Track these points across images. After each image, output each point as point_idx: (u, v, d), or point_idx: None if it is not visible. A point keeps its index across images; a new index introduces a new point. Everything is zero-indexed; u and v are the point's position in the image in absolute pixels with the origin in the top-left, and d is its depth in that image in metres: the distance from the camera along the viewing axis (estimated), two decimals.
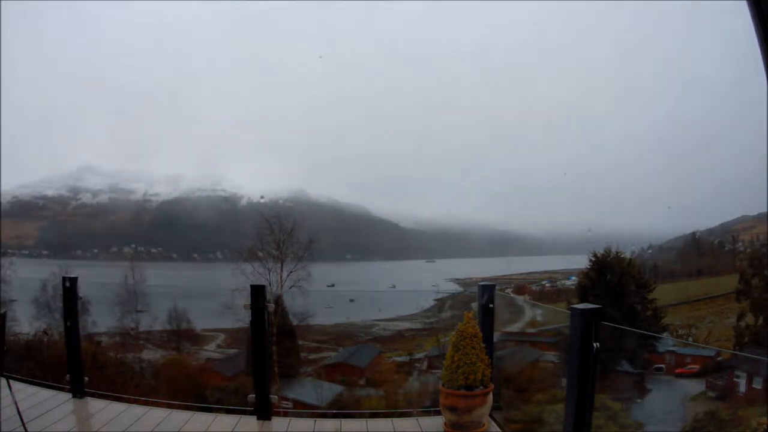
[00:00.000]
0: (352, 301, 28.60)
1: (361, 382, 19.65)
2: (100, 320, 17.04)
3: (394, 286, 44.42)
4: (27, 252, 60.18)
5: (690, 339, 21.06)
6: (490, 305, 3.81)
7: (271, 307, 3.84)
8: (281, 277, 21.50)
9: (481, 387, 3.23)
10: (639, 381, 13.93)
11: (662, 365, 16.36)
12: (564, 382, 2.79)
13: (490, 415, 3.50)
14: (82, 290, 4.13)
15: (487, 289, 3.85)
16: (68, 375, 3.99)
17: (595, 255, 17.01)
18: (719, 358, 14.98)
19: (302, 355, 21.25)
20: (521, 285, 45.82)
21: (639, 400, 12.72)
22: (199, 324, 22.44)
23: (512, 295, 29.17)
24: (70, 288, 4.06)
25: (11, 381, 2.89)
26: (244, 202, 76.58)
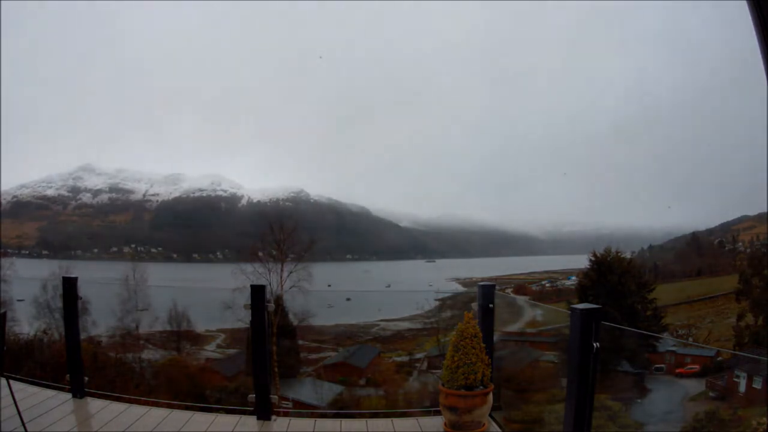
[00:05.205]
0: (348, 300, 28.72)
1: (361, 382, 19.63)
2: (100, 320, 17.03)
3: (389, 286, 44.73)
4: (27, 252, 60.21)
5: (690, 339, 21.05)
6: (490, 305, 3.80)
7: (271, 307, 3.84)
8: (281, 277, 21.50)
9: (481, 387, 3.22)
10: (639, 381, 13.92)
11: (662, 365, 16.34)
12: (564, 382, 2.79)
13: (490, 415, 3.50)
14: (82, 290, 4.13)
15: (487, 289, 3.84)
16: (68, 375, 3.98)
17: (595, 255, 17.02)
18: (719, 358, 14.96)
19: (302, 355, 21.24)
20: (521, 285, 45.86)
21: (639, 400, 12.71)
22: (199, 324, 22.44)
23: (512, 295, 29.18)
24: (70, 288, 4.06)
25: (11, 381, 2.89)
26: (244, 202, 76.69)
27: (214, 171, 79.73)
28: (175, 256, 65.93)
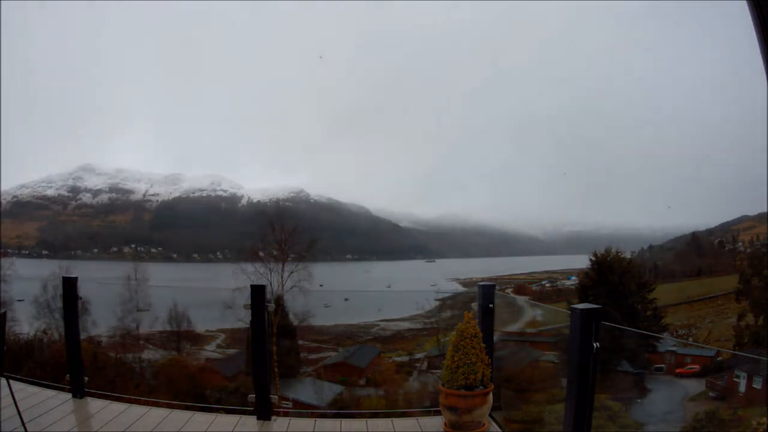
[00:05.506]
0: (347, 300, 28.75)
1: (361, 382, 19.63)
2: (100, 320, 17.04)
3: (389, 286, 44.86)
4: (27, 252, 60.17)
5: (690, 339, 21.04)
6: (490, 305, 3.80)
7: (271, 307, 3.83)
8: (282, 277, 21.50)
9: (481, 387, 3.22)
10: (639, 381, 13.92)
11: (662, 365, 16.34)
12: (564, 382, 2.79)
13: (490, 415, 3.50)
14: (82, 290, 4.12)
15: (487, 289, 3.84)
16: (68, 375, 3.98)
17: (595, 255, 17.02)
18: (719, 358, 14.95)
19: (302, 355, 21.24)
20: (521, 285, 45.87)
21: (639, 400, 12.71)
22: (199, 324, 22.44)
23: (512, 295, 29.17)
24: (69, 288, 4.05)
25: (11, 381, 2.89)
26: (244, 202, 76.66)
27: (214, 171, 79.75)
28: (175, 256, 65.89)
